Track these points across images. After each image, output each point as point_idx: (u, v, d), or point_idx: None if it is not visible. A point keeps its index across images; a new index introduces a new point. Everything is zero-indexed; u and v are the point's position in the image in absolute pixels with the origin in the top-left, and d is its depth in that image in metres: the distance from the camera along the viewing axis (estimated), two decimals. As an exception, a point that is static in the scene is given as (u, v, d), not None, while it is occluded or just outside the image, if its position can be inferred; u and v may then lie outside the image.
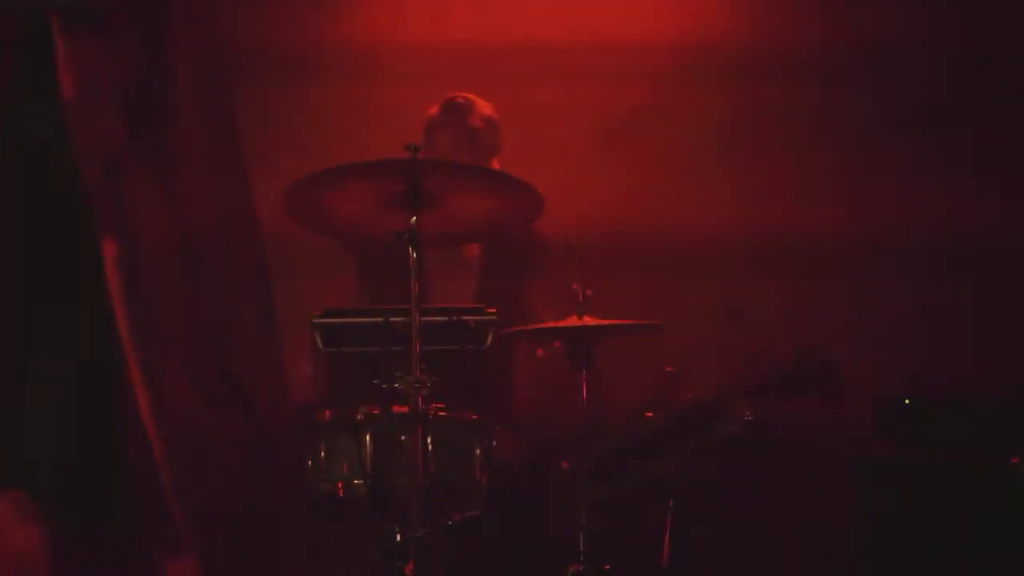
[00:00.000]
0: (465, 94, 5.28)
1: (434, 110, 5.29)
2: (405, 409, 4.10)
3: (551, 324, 4.61)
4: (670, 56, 5.97)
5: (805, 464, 4.45)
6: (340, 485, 4.35)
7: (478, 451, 4.38)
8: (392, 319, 4.17)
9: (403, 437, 4.15)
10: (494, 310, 4.40)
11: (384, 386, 4.05)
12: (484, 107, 5.28)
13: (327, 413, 4.39)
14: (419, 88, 5.54)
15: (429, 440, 4.27)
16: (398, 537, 4.08)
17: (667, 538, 4.37)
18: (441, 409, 4.36)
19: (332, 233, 4.71)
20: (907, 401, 3.89)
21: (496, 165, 5.24)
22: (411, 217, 4.03)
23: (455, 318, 4.34)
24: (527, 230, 5.21)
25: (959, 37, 5.84)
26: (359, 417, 4.28)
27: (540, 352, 5.00)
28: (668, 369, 4.69)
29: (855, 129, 5.83)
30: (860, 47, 5.89)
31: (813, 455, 4.46)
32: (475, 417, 4.41)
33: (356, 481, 4.27)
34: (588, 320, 4.54)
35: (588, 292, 4.59)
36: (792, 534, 4.41)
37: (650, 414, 4.72)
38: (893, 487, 3.82)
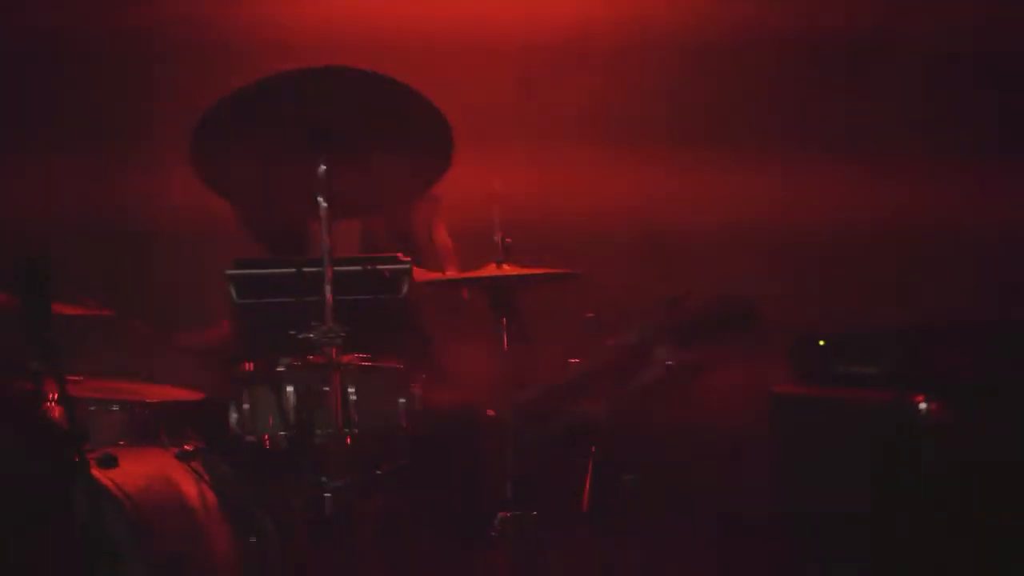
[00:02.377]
0: None
1: None
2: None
3: (470, 274, 4.63)
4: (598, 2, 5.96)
5: (725, 405, 4.48)
6: (266, 437, 4.37)
7: (402, 400, 4.40)
8: (305, 269, 4.17)
9: (325, 388, 4.15)
10: (409, 259, 4.41)
11: (299, 336, 4.05)
12: None
13: (249, 365, 4.40)
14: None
15: (352, 390, 4.30)
16: (322, 487, 4.09)
17: (587, 484, 4.40)
18: (365, 359, 4.39)
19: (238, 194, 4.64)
20: (821, 342, 3.92)
21: None
22: (320, 166, 4.03)
23: (369, 267, 4.34)
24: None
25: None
26: (280, 368, 4.30)
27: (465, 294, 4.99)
28: (588, 315, 4.70)
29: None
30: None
31: (732, 396, 4.49)
32: (399, 366, 4.43)
33: (281, 432, 4.28)
34: (507, 269, 4.57)
35: (508, 241, 4.61)
36: (714, 474, 4.45)
37: (574, 361, 4.75)
38: (807, 425, 3.85)
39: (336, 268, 4.03)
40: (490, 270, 4.56)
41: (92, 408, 4.67)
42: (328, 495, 4.02)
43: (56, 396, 4.17)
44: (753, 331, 4.59)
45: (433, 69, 5.52)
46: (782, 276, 5.53)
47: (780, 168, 5.74)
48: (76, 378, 4.84)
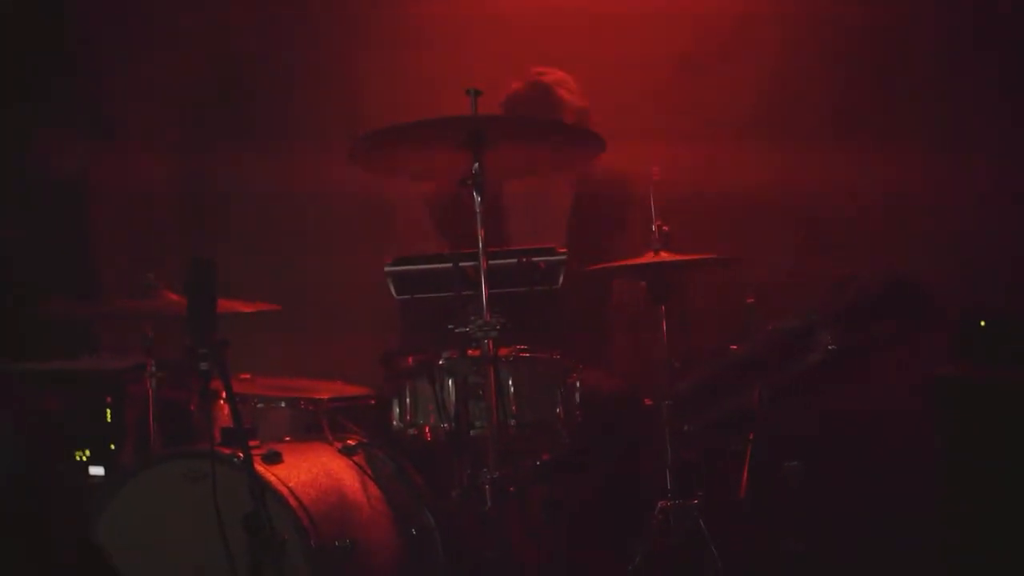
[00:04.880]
0: (553, 86, 5.22)
1: (519, 87, 5.22)
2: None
3: (628, 261, 4.61)
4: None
5: (886, 387, 4.40)
6: (427, 430, 4.42)
7: (560, 391, 4.41)
8: (461, 264, 4.18)
9: (484, 380, 4.15)
10: (564, 250, 4.40)
11: (456, 330, 4.08)
12: (573, 96, 5.22)
13: (410, 359, 4.45)
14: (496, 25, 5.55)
15: (510, 382, 4.32)
16: (481, 478, 4.10)
17: (745, 471, 4.35)
18: (523, 350, 4.41)
19: (399, 175, 4.67)
20: (983, 323, 3.83)
21: None
22: (474, 162, 4.05)
23: (524, 260, 4.34)
24: (613, 174, 5.20)
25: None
26: (440, 362, 4.34)
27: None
28: (749, 301, 4.65)
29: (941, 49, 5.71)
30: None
31: (893, 379, 4.40)
32: (557, 357, 4.44)
33: (442, 425, 4.32)
34: (664, 256, 4.54)
35: (664, 229, 4.58)
36: (875, 458, 4.37)
37: (734, 347, 4.69)
38: (970, 407, 3.76)
39: (492, 261, 4.07)
40: (648, 257, 4.55)
41: (259, 405, 4.79)
42: (488, 486, 4.03)
43: (224, 395, 4.27)
44: (923, 314, 4.47)
45: (596, 50, 5.56)
46: (946, 257, 5.40)
47: (943, 153, 5.60)
48: (246, 376, 4.97)
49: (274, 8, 6.19)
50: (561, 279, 4.37)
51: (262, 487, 3.73)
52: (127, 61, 6.23)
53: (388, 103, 5.84)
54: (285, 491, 4.07)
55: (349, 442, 4.59)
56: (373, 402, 4.96)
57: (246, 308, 4.77)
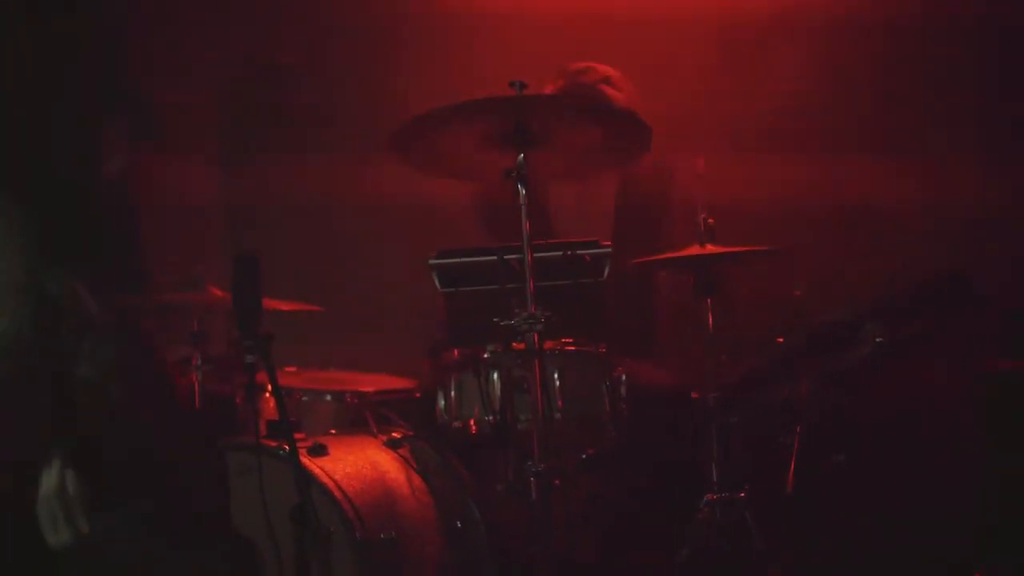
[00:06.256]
0: (597, 84, 5.17)
1: (560, 87, 5.10)
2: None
3: (674, 253, 4.58)
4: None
5: (934, 381, 4.37)
6: (472, 423, 4.41)
7: (606, 384, 4.39)
8: (506, 256, 4.17)
9: (529, 373, 4.15)
10: (609, 243, 4.37)
11: (501, 323, 4.06)
12: (622, 94, 5.16)
13: (455, 352, 4.45)
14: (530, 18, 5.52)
15: (556, 375, 4.31)
16: (526, 471, 4.08)
17: (792, 465, 4.32)
18: (568, 344, 4.39)
19: (443, 173, 4.66)
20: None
21: None
22: (519, 155, 4.03)
23: (569, 252, 4.32)
24: (660, 164, 5.18)
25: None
26: (485, 355, 4.33)
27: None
28: (796, 293, 4.62)
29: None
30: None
31: (941, 372, 4.37)
32: (603, 350, 4.42)
33: (486, 418, 4.32)
34: (710, 248, 4.51)
35: (710, 221, 4.55)
36: (921, 452, 4.33)
37: (781, 339, 4.67)
38: (1017, 400, 3.73)
39: (537, 254, 4.04)
40: (694, 250, 4.53)
41: (304, 398, 4.80)
42: (533, 480, 4.01)
43: (269, 388, 4.28)
44: (971, 307, 4.43)
45: (638, 45, 5.51)
46: (993, 250, 5.35)
47: (984, 142, 5.55)
48: (291, 369, 4.98)
49: (319, 14, 6.20)
50: (607, 272, 4.35)
51: (308, 479, 3.74)
52: (175, 62, 6.25)
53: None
54: (331, 483, 4.08)
55: (394, 435, 4.59)
56: (418, 395, 4.98)
57: (288, 307, 4.77)
